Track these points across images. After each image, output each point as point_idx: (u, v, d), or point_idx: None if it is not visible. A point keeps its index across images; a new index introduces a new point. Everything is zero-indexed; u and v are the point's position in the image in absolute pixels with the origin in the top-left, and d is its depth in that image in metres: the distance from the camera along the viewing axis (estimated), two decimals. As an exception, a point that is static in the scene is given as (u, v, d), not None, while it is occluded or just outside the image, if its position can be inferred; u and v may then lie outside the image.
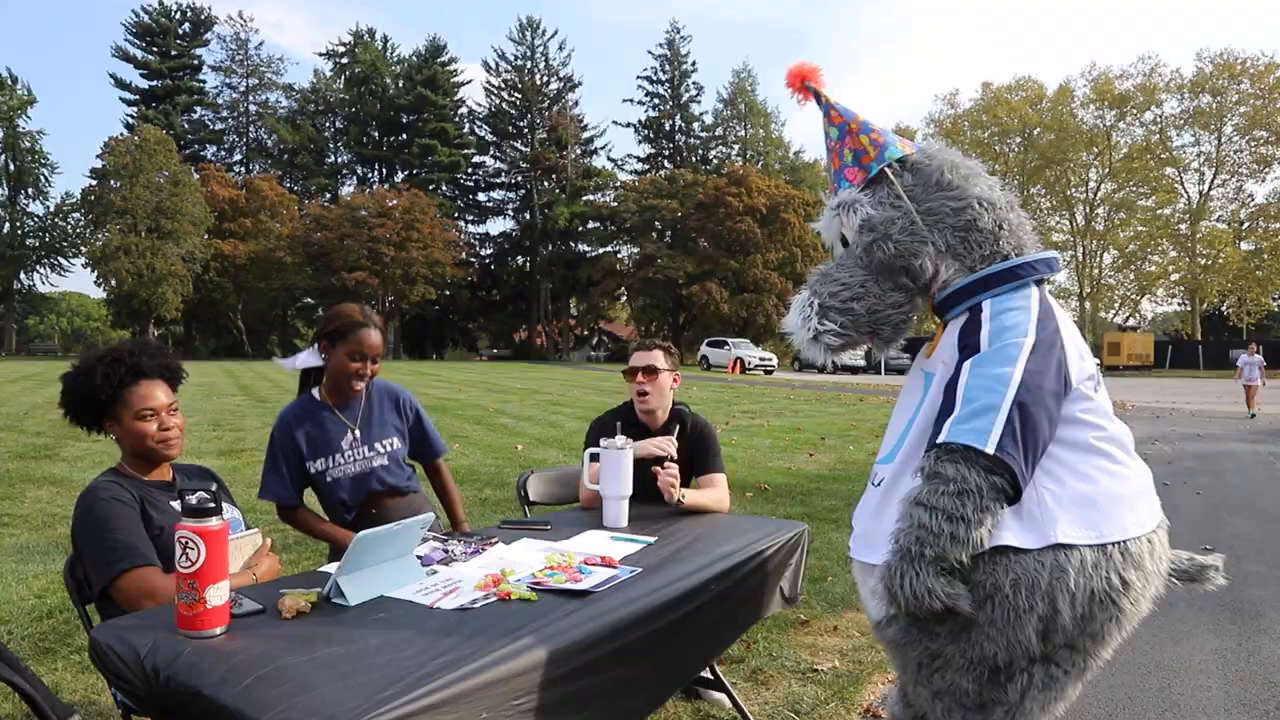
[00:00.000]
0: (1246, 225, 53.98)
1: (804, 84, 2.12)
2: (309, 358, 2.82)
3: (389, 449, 2.86)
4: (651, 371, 3.12)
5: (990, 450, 1.68)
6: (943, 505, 1.68)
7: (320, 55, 74.65)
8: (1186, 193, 54.30)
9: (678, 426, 3.09)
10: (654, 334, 58.13)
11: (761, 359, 38.67)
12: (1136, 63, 68.84)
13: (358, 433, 2.82)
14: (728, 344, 40.94)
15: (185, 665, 1.55)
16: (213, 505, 1.72)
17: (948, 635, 1.83)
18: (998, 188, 2.03)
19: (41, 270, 60.09)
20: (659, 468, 2.89)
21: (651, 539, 2.57)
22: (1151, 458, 10.28)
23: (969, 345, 1.85)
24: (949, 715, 1.93)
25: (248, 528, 2.38)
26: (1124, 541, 1.79)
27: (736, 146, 65.96)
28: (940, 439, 1.74)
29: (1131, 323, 56.85)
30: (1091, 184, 57.51)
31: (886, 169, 1.98)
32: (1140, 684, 3.45)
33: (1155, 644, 3.89)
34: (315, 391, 2.86)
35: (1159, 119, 54.09)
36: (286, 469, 2.77)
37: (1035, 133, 56.81)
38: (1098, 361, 1.99)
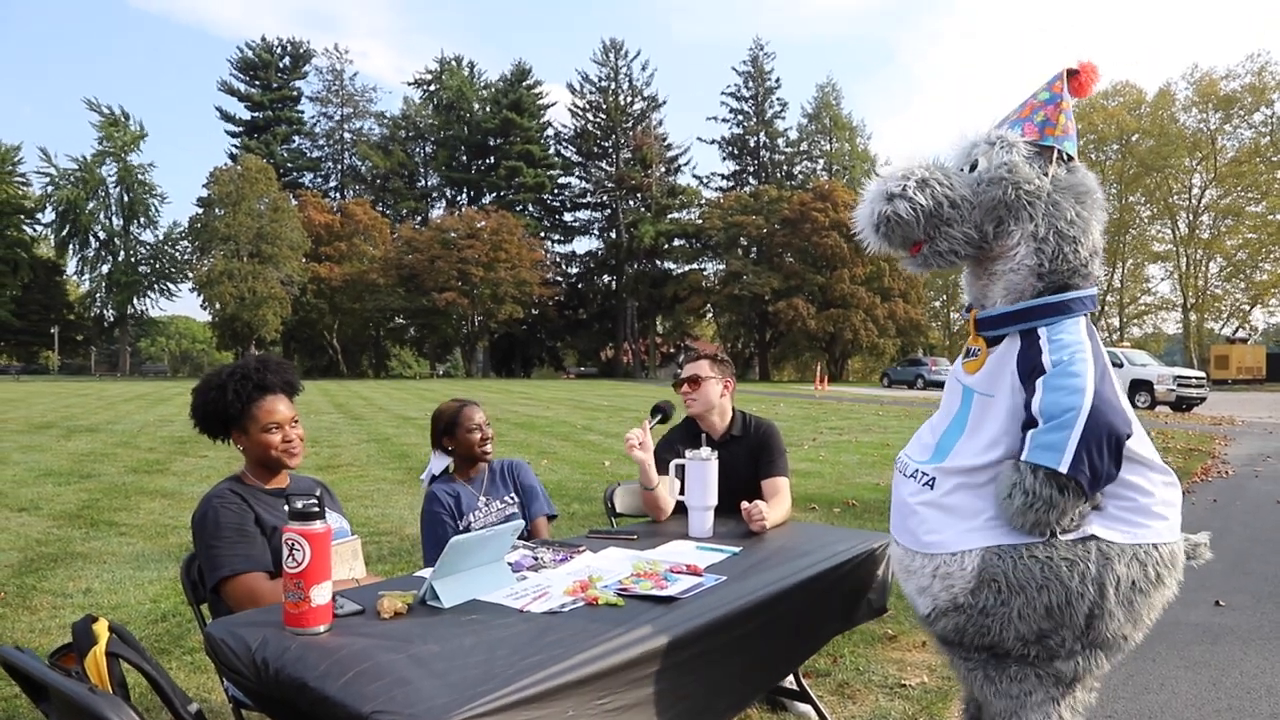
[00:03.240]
0: (1368, 230, 50.89)
1: (1089, 76, 2.16)
2: (437, 463, 3.23)
3: (515, 500, 3.22)
4: (694, 381, 3.27)
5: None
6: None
7: (409, 85, 77.16)
8: (1301, 196, 51.45)
9: (659, 414, 3.21)
10: (740, 351, 58.01)
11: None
12: (1245, 61, 65.19)
13: (485, 496, 3.17)
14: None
15: (293, 659, 1.64)
16: (317, 509, 1.82)
17: (999, 626, 1.97)
18: (1102, 240, 2.15)
19: (152, 295, 63.47)
20: (747, 506, 2.93)
21: (736, 549, 2.59)
22: (1263, 475, 9.81)
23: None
24: (1003, 702, 2.04)
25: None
26: (1159, 543, 1.98)
27: (821, 161, 65.46)
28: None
29: (1241, 334, 53.99)
30: (1195, 190, 55.00)
31: (1056, 149, 2.08)
32: (1250, 709, 3.30)
33: (1266, 667, 3.72)
34: (450, 475, 3.23)
35: (1270, 119, 51.42)
36: (443, 532, 2.97)
37: (1134, 139, 54.62)
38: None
